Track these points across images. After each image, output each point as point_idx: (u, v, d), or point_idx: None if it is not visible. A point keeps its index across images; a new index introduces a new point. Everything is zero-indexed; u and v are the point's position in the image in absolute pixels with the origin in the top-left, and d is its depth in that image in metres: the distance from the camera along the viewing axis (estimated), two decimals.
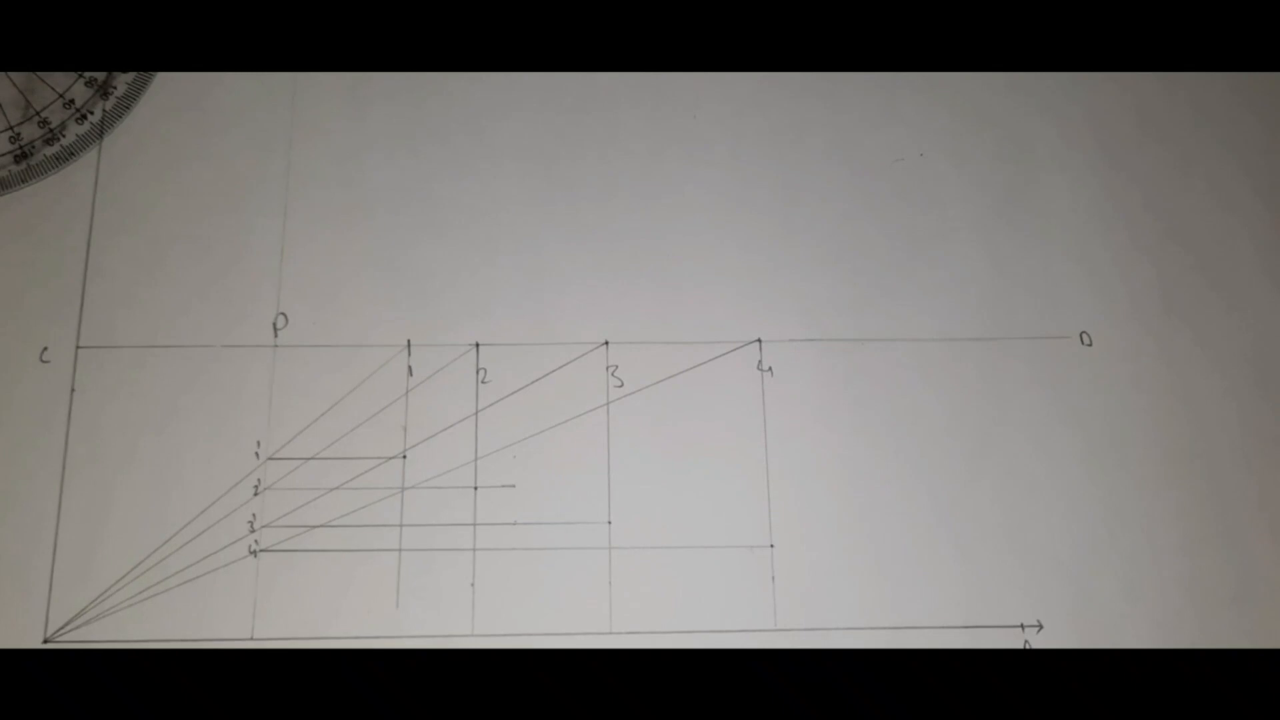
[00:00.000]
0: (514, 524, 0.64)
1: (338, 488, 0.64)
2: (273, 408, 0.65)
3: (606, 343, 0.67)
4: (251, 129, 0.70)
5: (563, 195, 0.70)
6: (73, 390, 0.65)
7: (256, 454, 0.64)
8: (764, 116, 0.72)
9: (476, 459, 0.64)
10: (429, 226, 0.69)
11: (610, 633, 0.62)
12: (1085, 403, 0.67)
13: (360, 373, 0.66)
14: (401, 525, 0.63)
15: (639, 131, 0.71)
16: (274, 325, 0.66)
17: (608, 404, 0.66)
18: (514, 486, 0.64)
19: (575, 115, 0.72)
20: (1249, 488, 0.66)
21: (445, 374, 0.66)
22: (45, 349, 0.65)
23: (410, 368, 0.66)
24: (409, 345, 0.66)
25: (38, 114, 0.69)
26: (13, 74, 0.70)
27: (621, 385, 0.66)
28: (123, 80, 0.70)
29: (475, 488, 0.64)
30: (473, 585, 0.63)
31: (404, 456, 0.64)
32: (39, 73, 0.70)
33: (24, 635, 0.61)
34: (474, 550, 0.63)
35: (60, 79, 0.70)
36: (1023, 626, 0.63)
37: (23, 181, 0.68)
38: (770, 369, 0.67)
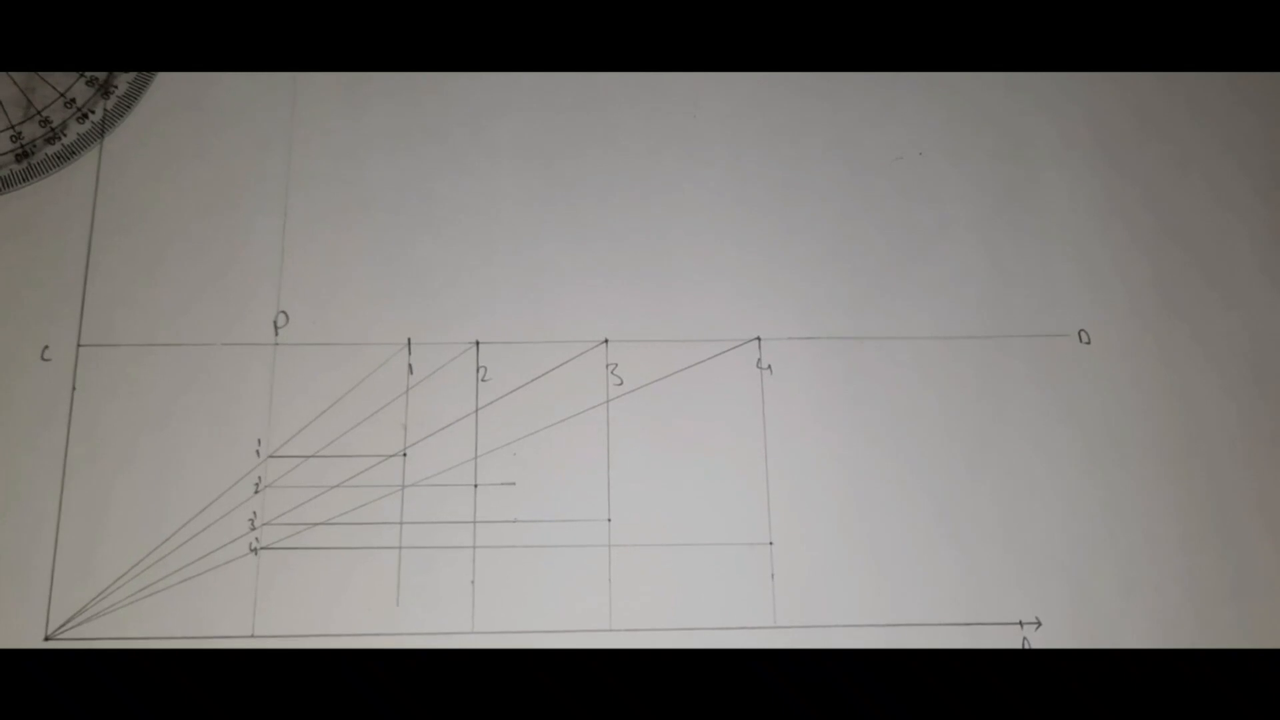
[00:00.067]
0: (514, 522, 0.64)
1: (338, 485, 0.64)
2: (273, 406, 0.65)
3: (606, 341, 0.67)
4: (251, 128, 0.71)
5: (562, 194, 0.70)
6: (73, 388, 0.65)
7: (257, 452, 0.64)
8: (763, 116, 0.72)
9: (476, 457, 0.65)
10: (429, 225, 0.69)
11: (610, 630, 0.62)
12: (1084, 401, 0.67)
13: (360, 371, 0.66)
14: (402, 523, 0.63)
15: (638, 131, 0.72)
16: (274, 323, 0.66)
17: (607, 402, 0.66)
18: (514, 484, 0.64)
19: (575, 114, 0.72)
20: (1247, 486, 0.66)
21: (445, 372, 0.66)
22: (46, 347, 0.65)
23: (410, 366, 0.66)
24: (409, 343, 0.66)
25: (39, 113, 0.70)
26: (13, 73, 0.70)
27: (621, 383, 0.66)
28: (123, 80, 0.70)
29: (475, 485, 0.64)
30: (473, 583, 0.63)
31: (404, 454, 0.65)
32: (40, 72, 0.70)
33: (25, 633, 0.61)
34: (474, 548, 0.63)
35: (61, 78, 0.71)
36: (1021, 624, 0.63)
37: (23, 180, 0.68)
38: (769, 367, 0.67)
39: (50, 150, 0.69)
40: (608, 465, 0.65)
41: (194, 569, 0.62)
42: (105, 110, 0.70)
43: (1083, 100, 0.73)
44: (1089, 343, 0.68)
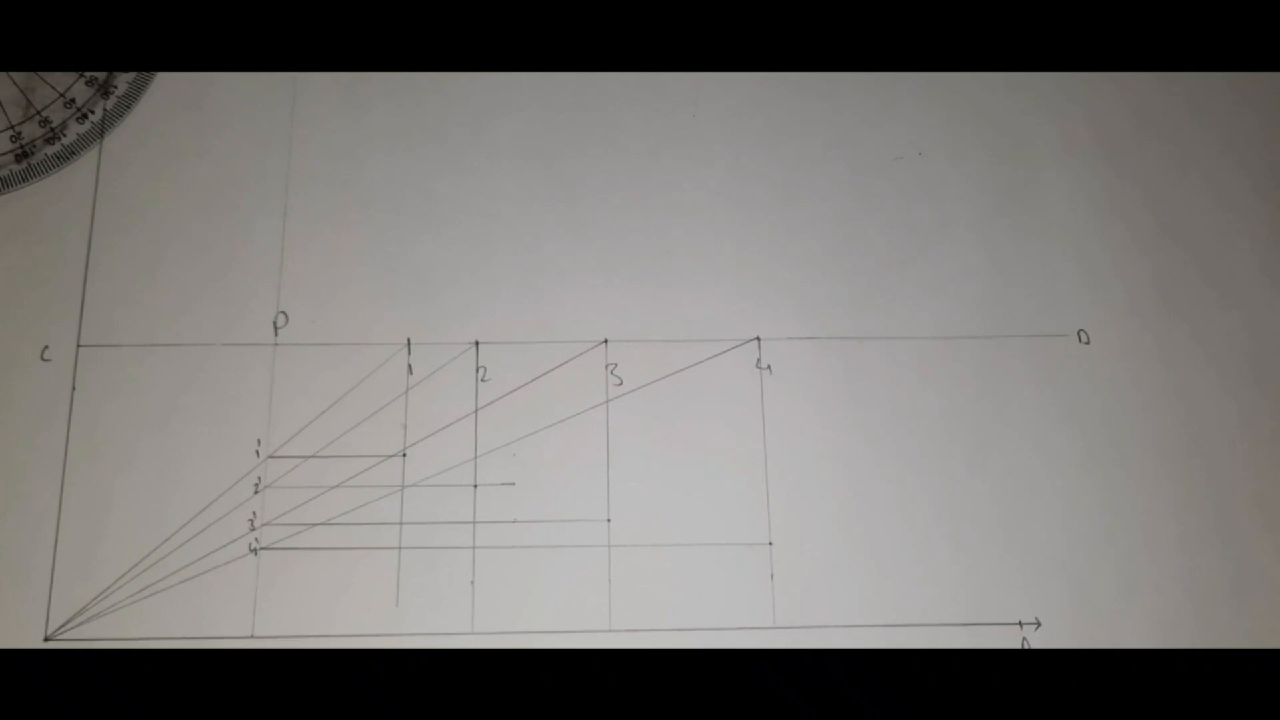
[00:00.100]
0: (514, 522, 0.64)
1: (338, 486, 0.64)
2: (273, 406, 0.65)
3: (606, 341, 0.67)
4: (251, 128, 0.71)
5: (562, 194, 0.70)
6: (73, 389, 0.65)
7: (257, 452, 0.64)
8: (763, 115, 0.72)
9: (476, 457, 0.65)
10: (428, 225, 0.69)
11: (609, 630, 0.62)
12: (1083, 401, 0.67)
13: (360, 371, 0.66)
14: (401, 523, 0.63)
15: (638, 130, 0.72)
16: (274, 323, 0.66)
17: (607, 402, 0.66)
18: (514, 484, 0.64)
19: (574, 114, 0.72)
20: (1247, 485, 0.66)
21: (445, 372, 0.66)
22: (46, 347, 0.65)
23: (410, 366, 0.66)
24: (409, 343, 0.66)
25: (38, 113, 0.70)
26: (13, 73, 0.70)
27: (621, 383, 0.66)
28: (123, 80, 0.70)
29: (475, 486, 0.64)
30: (472, 583, 0.63)
31: (404, 455, 0.65)
32: (40, 72, 0.70)
33: (25, 633, 0.61)
34: (473, 548, 0.63)
35: (61, 78, 0.71)
36: (1021, 624, 0.63)
37: (23, 180, 0.68)
38: (769, 367, 0.67)
39: (50, 150, 0.69)
40: (607, 465, 0.65)
41: (194, 569, 0.62)
42: (105, 110, 0.70)
43: (1083, 100, 0.73)
44: (1088, 343, 0.68)
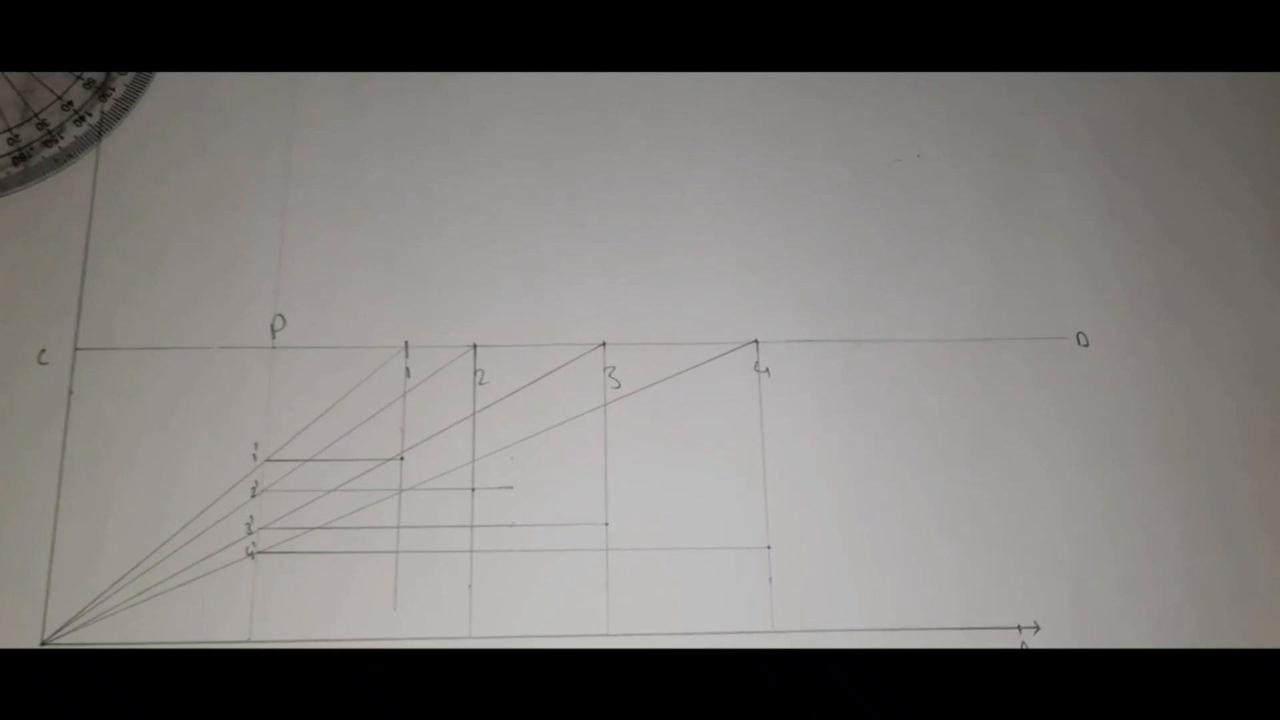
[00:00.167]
0: (511, 526, 0.64)
1: (335, 489, 0.64)
2: (270, 409, 0.65)
3: (604, 344, 0.67)
4: (248, 131, 0.70)
5: (560, 196, 0.70)
6: (70, 392, 0.65)
7: (254, 456, 0.64)
8: (762, 116, 0.72)
9: (474, 460, 0.64)
10: (426, 227, 0.69)
11: (607, 634, 0.62)
12: (1083, 403, 0.67)
13: (358, 374, 0.66)
14: (399, 527, 0.63)
15: (636, 131, 0.71)
16: (271, 327, 0.66)
17: (605, 405, 0.66)
18: (511, 488, 0.64)
19: (573, 115, 0.72)
20: (1248, 487, 0.66)
21: (443, 375, 0.66)
22: (43, 351, 0.65)
23: (408, 369, 0.66)
24: (406, 346, 0.66)
25: (36, 115, 0.70)
26: (11, 76, 0.70)
27: (619, 386, 0.66)
28: (121, 82, 0.70)
29: (472, 489, 0.64)
30: (470, 587, 0.63)
31: (401, 458, 0.64)
32: (37, 74, 0.70)
33: (21, 637, 0.61)
34: (471, 552, 0.63)
35: (58, 81, 0.70)
36: (1019, 628, 0.63)
37: (21, 183, 0.68)
38: (767, 370, 0.66)
39: (47, 153, 0.69)
40: (605, 468, 0.65)
41: (191, 573, 0.62)
42: (102, 113, 0.70)
43: (1083, 100, 0.73)
44: (1087, 345, 0.68)
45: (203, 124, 0.70)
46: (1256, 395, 0.67)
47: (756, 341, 0.67)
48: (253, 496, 0.63)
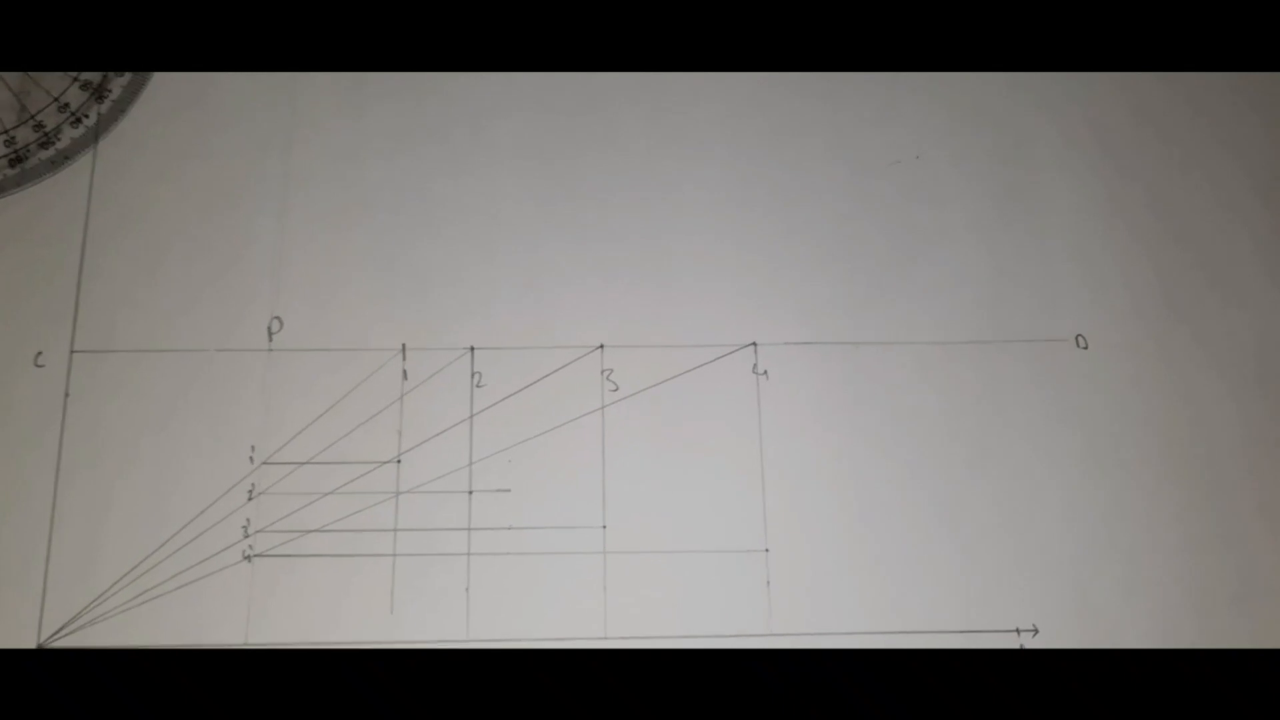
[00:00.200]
0: (509, 529, 0.63)
1: (332, 492, 0.64)
2: (267, 412, 0.65)
3: (602, 346, 0.66)
4: (247, 131, 0.70)
5: (558, 198, 0.69)
6: (67, 395, 0.65)
7: (251, 459, 0.64)
8: (762, 117, 0.72)
9: (471, 463, 0.64)
10: (423, 229, 0.68)
11: (605, 638, 0.62)
12: (1083, 405, 0.67)
13: (355, 376, 0.65)
14: (396, 530, 0.63)
15: (635, 133, 0.71)
16: (268, 329, 0.66)
17: (603, 408, 0.65)
18: (509, 491, 0.64)
19: (570, 116, 0.71)
20: (1247, 489, 0.65)
21: (440, 378, 0.66)
22: (39, 353, 0.65)
23: (405, 371, 0.66)
24: (404, 349, 0.66)
25: (32, 117, 0.69)
26: (7, 78, 0.70)
27: (616, 389, 0.66)
28: (118, 83, 0.70)
29: (470, 492, 0.64)
30: (467, 590, 0.62)
31: (398, 461, 0.64)
32: (34, 76, 0.70)
33: (17, 641, 0.61)
34: (468, 555, 0.63)
35: (55, 83, 0.70)
36: (1018, 631, 0.62)
37: (17, 185, 0.68)
38: (765, 372, 0.66)
39: (44, 155, 0.69)
40: (603, 471, 0.64)
41: (187, 577, 0.62)
42: (99, 114, 0.70)
43: (1083, 101, 0.73)
44: (1087, 347, 0.67)
45: (200, 125, 0.70)
46: (1257, 397, 0.67)
47: (755, 344, 0.67)
48: (249, 499, 0.63)
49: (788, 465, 0.65)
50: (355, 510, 0.63)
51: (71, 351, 0.65)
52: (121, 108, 0.70)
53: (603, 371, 0.66)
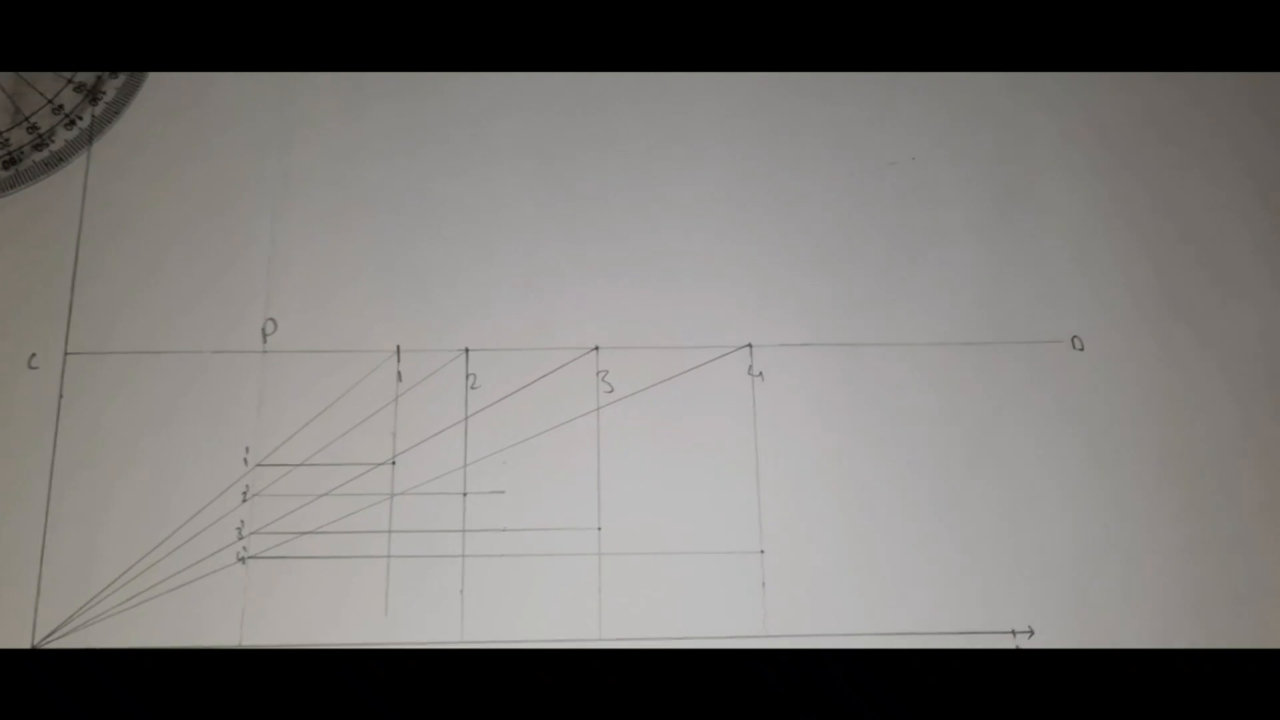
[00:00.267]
0: (503, 530, 0.63)
1: (326, 494, 0.63)
2: (261, 414, 0.65)
3: (597, 348, 0.66)
4: (242, 133, 0.70)
5: (553, 199, 0.69)
6: (61, 396, 0.65)
7: (245, 460, 0.64)
8: (760, 117, 0.72)
9: (466, 465, 0.64)
10: (418, 231, 0.68)
11: (600, 639, 0.62)
12: (1082, 406, 0.66)
13: (349, 378, 0.65)
14: (390, 532, 0.63)
15: (631, 134, 0.71)
16: (263, 331, 0.66)
17: (598, 409, 0.65)
18: (503, 492, 0.64)
19: (567, 117, 0.71)
20: (1246, 490, 0.65)
21: (434, 380, 0.66)
22: (33, 355, 0.65)
23: (399, 373, 0.66)
24: (398, 351, 0.66)
25: (26, 119, 0.69)
26: (1, 79, 0.70)
27: (612, 390, 0.66)
28: (112, 85, 0.70)
29: (464, 494, 0.64)
30: (461, 592, 0.62)
31: (393, 463, 0.64)
32: (27, 78, 0.70)
33: (12, 641, 0.61)
34: (463, 556, 0.63)
35: (49, 84, 0.70)
36: (1014, 633, 0.62)
37: (11, 187, 0.68)
38: (761, 374, 0.66)
39: (38, 157, 0.68)
40: (598, 473, 0.64)
41: (181, 579, 0.62)
42: (93, 116, 0.70)
43: (1083, 101, 0.72)
44: (1083, 349, 0.67)
45: (195, 127, 0.70)
46: (1257, 397, 0.67)
47: (750, 345, 0.67)
48: (244, 501, 0.63)
49: (783, 467, 0.65)
50: (350, 512, 0.63)
51: (66, 353, 0.65)
52: (115, 110, 0.70)
53: (598, 373, 0.66)
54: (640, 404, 0.66)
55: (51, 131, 0.69)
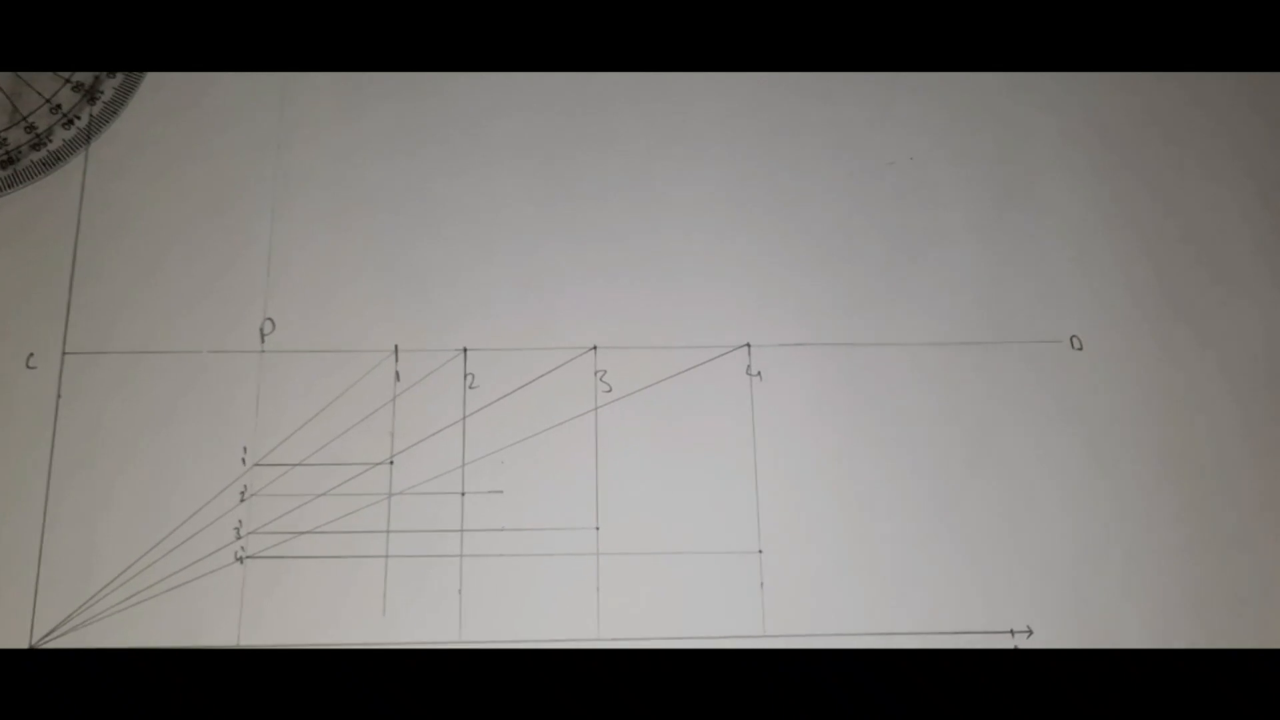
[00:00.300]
0: (501, 530, 0.63)
1: (324, 494, 0.63)
2: (259, 414, 0.65)
3: (595, 347, 0.66)
4: (240, 133, 0.70)
5: (552, 199, 0.69)
6: (59, 396, 0.65)
7: (243, 460, 0.64)
8: (759, 117, 0.72)
9: (464, 465, 0.64)
10: (416, 231, 0.68)
11: (598, 639, 0.62)
12: (1081, 406, 0.66)
13: (347, 378, 0.65)
14: (388, 531, 0.63)
15: (631, 134, 0.71)
16: (260, 331, 0.66)
17: (596, 409, 0.65)
18: (501, 492, 0.64)
19: (566, 117, 0.71)
20: (1246, 490, 0.65)
21: (433, 379, 0.66)
22: (31, 355, 0.65)
23: (398, 373, 0.66)
24: (396, 350, 0.66)
25: (24, 119, 0.69)
26: None
27: (610, 390, 0.66)
28: (109, 85, 0.70)
29: (462, 494, 0.64)
30: (460, 592, 0.62)
31: (391, 462, 0.64)
32: (25, 78, 0.70)
33: (10, 641, 0.60)
34: (461, 556, 0.63)
35: (47, 84, 0.70)
36: (1012, 632, 0.62)
37: (9, 187, 0.68)
38: (759, 374, 0.66)
39: (35, 156, 0.68)
40: (596, 473, 0.64)
41: (179, 578, 0.62)
42: (91, 116, 0.70)
43: (1083, 101, 0.72)
44: (1081, 348, 0.67)
45: (193, 126, 0.70)
46: (1256, 397, 0.67)
47: (749, 345, 0.67)
48: (242, 501, 0.63)
49: (781, 466, 0.65)
50: (348, 512, 0.63)
51: (64, 353, 0.65)
52: (113, 109, 0.70)
53: (596, 373, 0.66)
54: (639, 404, 0.65)
55: (49, 131, 0.69)
